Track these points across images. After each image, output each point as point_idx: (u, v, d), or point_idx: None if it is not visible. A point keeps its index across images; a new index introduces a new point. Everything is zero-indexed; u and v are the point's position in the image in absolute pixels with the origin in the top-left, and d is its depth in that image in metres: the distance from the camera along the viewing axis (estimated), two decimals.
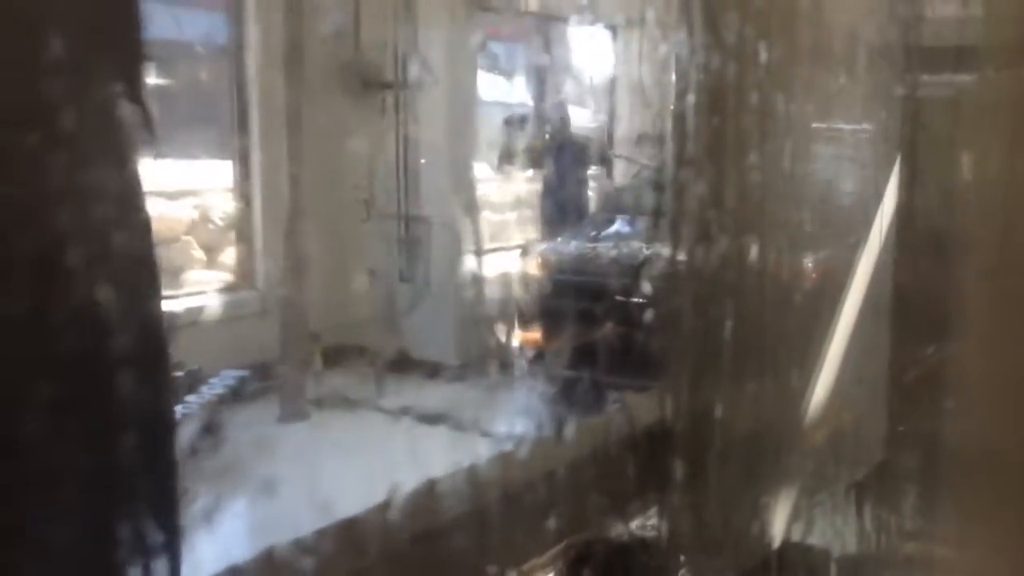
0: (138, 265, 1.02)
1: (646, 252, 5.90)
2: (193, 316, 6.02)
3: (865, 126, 2.56)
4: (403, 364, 6.39)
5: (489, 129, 7.62)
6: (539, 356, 6.48)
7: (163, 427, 1.14)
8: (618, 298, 5.58)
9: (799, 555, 2.54)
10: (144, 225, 1.01)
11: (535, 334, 6.60)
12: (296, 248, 6.18)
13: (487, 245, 7.84)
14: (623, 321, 5.54)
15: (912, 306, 2.39)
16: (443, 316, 6.83)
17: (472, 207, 7.16)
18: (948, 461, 2.47)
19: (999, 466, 2.15)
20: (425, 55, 7.03)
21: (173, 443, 1.16)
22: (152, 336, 1.01)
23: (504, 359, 6.78)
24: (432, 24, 7.02)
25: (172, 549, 1.04)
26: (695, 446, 2.00)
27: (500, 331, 6.92)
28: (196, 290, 6.53)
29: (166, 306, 1.20)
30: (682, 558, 2.04)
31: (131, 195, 0.99)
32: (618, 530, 2.44)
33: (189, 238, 6.83)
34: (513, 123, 7.84)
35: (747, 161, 1.95)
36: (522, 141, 7.62)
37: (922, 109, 2.53)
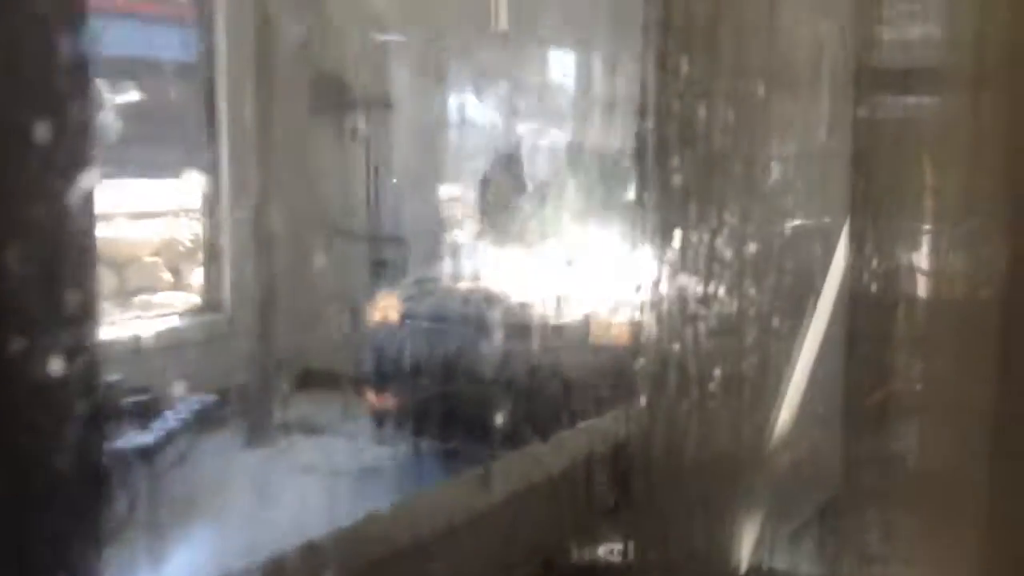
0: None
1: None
2: (159, 339, 5.95)
3: (821, 148, 2.55)
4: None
5: (458, 150, 7.59)
6: (382, 416, 5.44)
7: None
8: (480, 348, 4.80)
9: None
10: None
11: (376, 391, 5.48)
12: (264, 269, 6.13)
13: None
14: (484, 375, 4.72)
15: (866, 339, 2.38)
16: None
17: (441, 228, 7.13)
18: (904, 484, 2.46)
19: (952, 486, 2.14)
20: (396, 75, 7.03)
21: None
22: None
23: None
24: (403, 45, 7.01)
25: None
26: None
27: None
28: (163, 312, 6.46)
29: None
30: None
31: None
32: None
33: (156, 259, 6.76)
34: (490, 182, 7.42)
35: (696, 185, 1.93)
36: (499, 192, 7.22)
37: (877, 131, 2.52)
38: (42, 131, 0.93)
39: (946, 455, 2.29)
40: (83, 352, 1.04)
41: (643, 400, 2.11)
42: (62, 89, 0.98)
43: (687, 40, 1.84)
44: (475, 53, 6.69)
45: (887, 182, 2.45)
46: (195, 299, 6.68)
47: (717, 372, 2.16)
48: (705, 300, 2.07)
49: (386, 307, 5.69)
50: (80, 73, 0.99)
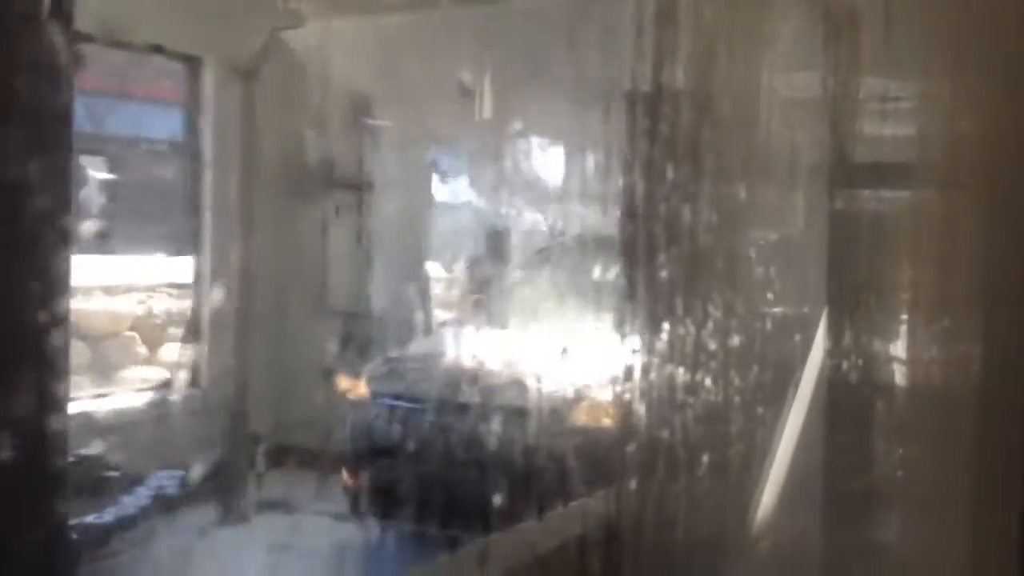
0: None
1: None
2: (134, 414, 5.90)
3: (799, 241, 2.62)
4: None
5: (440, 231, 7.67)
6: (355, 495, 5.32)
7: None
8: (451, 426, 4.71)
9: None
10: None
11: (348, 469, 5.37)
12: (243, 346, 6.12)
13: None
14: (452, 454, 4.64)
15: (844, 428, 2.43)
16: None
17: (420, 307, 7.15)
18: (885, 570, 2.47)
19: (932, 573, 2.16)
20: (381, 158, 7.13)
21: None
22: None
23: None
24: (389, 129, 7.14)
25: None
26: None
27: None
28: (138, 387, 6.41)
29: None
30: None
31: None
32: None
33: (133, 333, 6.73)
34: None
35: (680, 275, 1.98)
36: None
37: (853, 224, 2.60)
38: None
39: (926, 542, 2.31)
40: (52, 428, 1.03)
41: (620, 485, 2.13)
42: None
43: (672, 148, 1.92)
44: (458, 139, 6.82)
45: (863, 275, 2.51)
46: (172, 374, 6.64)
47: (703, 458, 2.18)
48: (692, 388, 2.11)
49: (359, 385, 5.62)
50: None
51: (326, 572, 4.96)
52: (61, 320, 1.00)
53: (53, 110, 0.98)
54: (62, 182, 0.99)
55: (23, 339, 0.95)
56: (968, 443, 2.09)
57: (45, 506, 1.01)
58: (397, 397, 5.25)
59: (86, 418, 5.30)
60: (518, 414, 4.73)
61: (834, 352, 2.32)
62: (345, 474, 5.41)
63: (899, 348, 2.44)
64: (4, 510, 0.94)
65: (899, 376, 2.42)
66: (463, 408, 4.91)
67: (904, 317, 2.52)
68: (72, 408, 1.09)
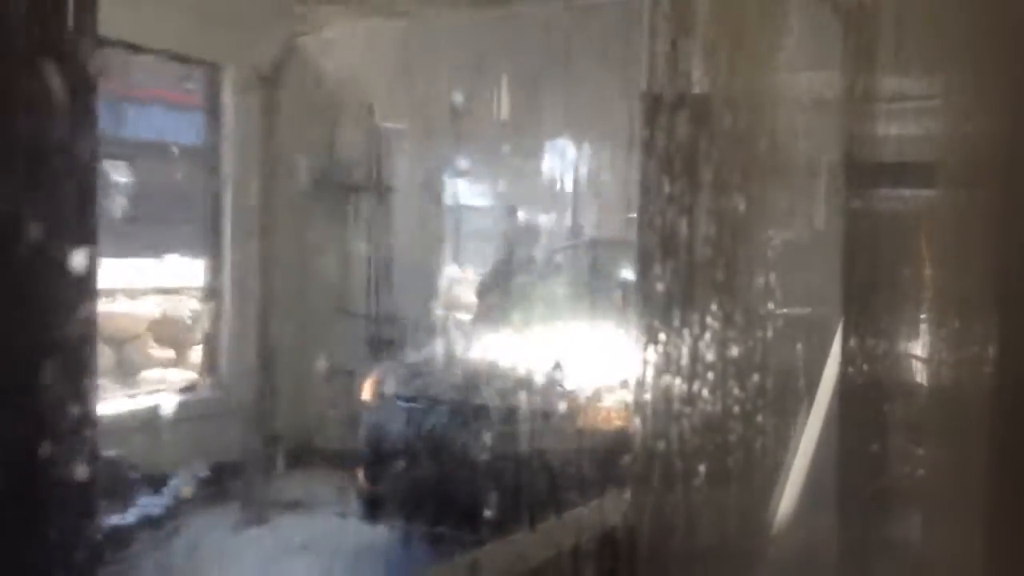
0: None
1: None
2: (154, 415, 5.94)
3: (811, 242, 2.61)
4: None
5: (455, 234, 7.67)
6: (370, 497, 5.32)
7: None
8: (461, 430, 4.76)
9: None
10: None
11: (364, 472, 5.37)
12: (263, 348, 6.16)
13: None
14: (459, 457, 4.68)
15: (857, 430, 2.41)
16: None
17: (437, 309, 7.16)
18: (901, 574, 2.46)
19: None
20: (398, 160, 7.16)
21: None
22: None
23: None
24: (406, 132, 7.16)
25: None
26: None
27: None
28: (158, 388, 6.46)
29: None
30: None
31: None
32: None
33: (153, 335, 6.79)
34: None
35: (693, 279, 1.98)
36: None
37: (869, 225, 2.58)
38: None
39: (942, 546, 2.30)
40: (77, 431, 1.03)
41: (630, 493, 2.13)
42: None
43: (669, 161, 1.91)
44: (475, 141, 6.83)
45: (879, 275, 2.50)
46: (192, 376, 6.69)
47: (709, 464, 2.18)
48: (690, 398, 2.11)
49: (375, 387, 5.60)
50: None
51: (344, 572, 4.98)
52: (86, 330, 1.01)
53: (77, 127, 0.99)
54: (85, 197, 1.00)
55: (49, 347, 0.96)
56: (983, 446, 2.08)
57: (67, 509, 1.02)
58: (411, 399, 5.23)
59: (109, 420, 5.35)
60: (531, 417, 4.73)
61: (850, 354, 2.31)
62: (361, 476, 5.42)
63: (915, 349, 2.42)
64: (26, 516, 0.95)
65: (915, 374, 2.41)
66: (476, 410, 4.90)
67: (919, 318, 2.51)
68: (98, 409, 1.10)
